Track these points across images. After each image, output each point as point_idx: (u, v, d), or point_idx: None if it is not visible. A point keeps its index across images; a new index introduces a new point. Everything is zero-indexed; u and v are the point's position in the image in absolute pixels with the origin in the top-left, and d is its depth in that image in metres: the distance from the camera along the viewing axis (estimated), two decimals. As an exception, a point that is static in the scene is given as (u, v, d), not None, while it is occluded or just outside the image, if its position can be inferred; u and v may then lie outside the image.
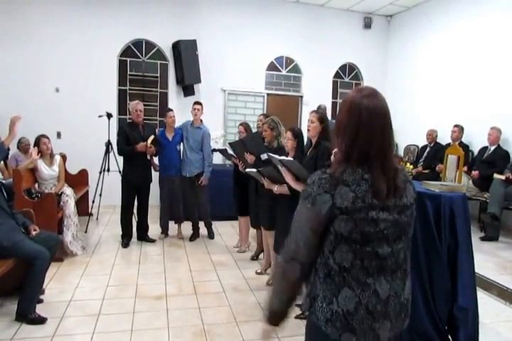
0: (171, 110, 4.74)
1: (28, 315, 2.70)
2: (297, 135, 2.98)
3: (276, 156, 1.97)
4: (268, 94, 7.14)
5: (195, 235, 4.88)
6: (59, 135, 6.06)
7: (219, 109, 6.85)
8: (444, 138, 5.84)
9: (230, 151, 4.20)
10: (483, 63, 5.54)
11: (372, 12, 7.37)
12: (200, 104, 4.72)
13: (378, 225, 1.11)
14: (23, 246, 2.75)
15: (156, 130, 4.88)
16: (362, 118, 1.11)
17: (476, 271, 2.39)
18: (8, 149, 3.17)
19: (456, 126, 5.53)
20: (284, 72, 7.27)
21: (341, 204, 1.09)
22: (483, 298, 2.80)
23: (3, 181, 3.76)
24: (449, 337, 2.27)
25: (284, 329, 2.68)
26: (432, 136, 5.94)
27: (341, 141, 1.15)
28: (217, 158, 5.85)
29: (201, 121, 4.78)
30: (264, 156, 3.34)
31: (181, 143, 4.79)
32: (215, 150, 4.72)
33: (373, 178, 1.11)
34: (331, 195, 1.10)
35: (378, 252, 1.13)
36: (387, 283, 1.15)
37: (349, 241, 1.11)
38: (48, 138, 4.19)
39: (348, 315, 1.12)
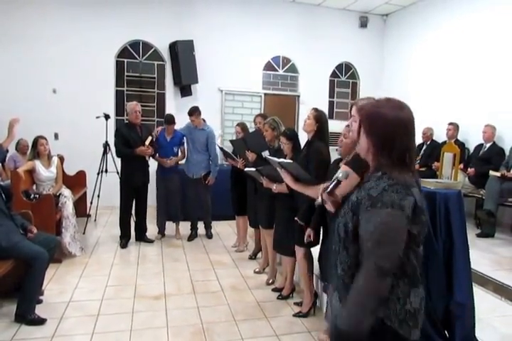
0: (174, 123, 4.66)
1: (27, 316, 2.71)
2: (291, 137, 2.99)
3: (275, 159, 1.98)
4: (265, 94, 7.15)
5: (193, 235, 4.89)
6: (56, 136, 6.05)
7: (216, 109, 6.86)
8: (440, 136, 5.86)
9: (226, 149, 4.21)
10: (478, 61, 5.57)
11: (368, 11, 7.40)
12: (191, 114, 4.61)
13: (424, 227, 1.21)
14: (21, 247, 2.76)
15: (157, 130, 4.81)
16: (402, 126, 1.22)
17: (472, 267, 2.41)
18: (7, 151, 3.18)
19: (450, 124, 5.56)
20: (280, 72, 7.28)
21: (420, 203, 1.15)
22: (479, 293, 2.81)
23: (1, 183, 3.78)
24: (446, 332, 2.29)
25: (282, 327, 2.73)
26: (427, 134, 5.96)
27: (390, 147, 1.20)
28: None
29: (204, 121, 4.77)
30: (265, 154, 3.35)
31: (180, 146, 4.79)
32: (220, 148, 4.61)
33: (418, 181, 1.22)
34: (413, 197, 1.14)
35: (421, 252, 1.25)
36: None
37: (416, 243, 1.19)
38: (45, 139, 4.17)
39: (417, 312, 1.21)
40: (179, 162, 4.84)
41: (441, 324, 2.26)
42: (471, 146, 5.49)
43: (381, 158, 1.20)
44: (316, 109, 2.85)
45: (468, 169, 5.01)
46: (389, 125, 1.19)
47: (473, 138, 5.50)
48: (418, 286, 1.23)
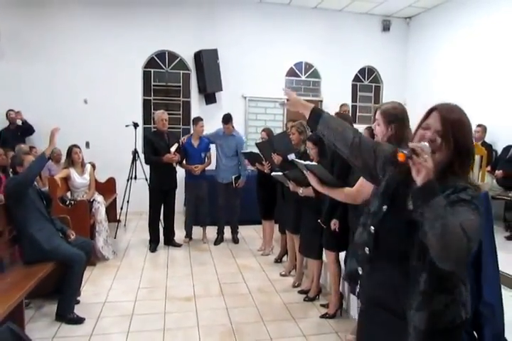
0: (202, 120, 4.81)
1: (67, 315, 2.86)
2: (317, 142, 3.05)
3: (301, 161, 2.06)
4: (288, 100, 7.19)
5: (219, 239, 4.99)
6: (87, 145, 6.32)
7: (240, 116, 6.96)
8: (467, 138, 5.77)
9: (257, 151, 4.25)
10: (506, 63, 5.47)
11: (391, 14, 7.38)
12: (228, 122, 4.65)
13: None
14: (62, 250, 2.93)
15: (183, 139, 4.91)
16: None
17: (500, 269, 2.38)
18: (49, 159, 3.37)
19: (479, 125, 5.47)
20: (303, 78, 7.35)
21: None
22: (508, 296, 2.77)
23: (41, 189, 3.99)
24: (475, 333, 2.28)
25: (309, 328, 2.77)
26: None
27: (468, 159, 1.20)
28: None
29: (233, 127, 4.85)
30: (291, 156, 3.41)
31: (206, 152, 4.89)
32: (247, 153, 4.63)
33: None
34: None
35: None
36: None
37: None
38: (79, 147, 4.39)
39: (468, 297, 1.29)
40: (205, 168, 4.94)
41: (470, 325, 2.25)
42: (499, 148, 5.38)
43: (464, 170, 1.18)
44: (337, 113, 2.97)
45: (496, 171, 4.92)
46: (471, 134, 1.19)
47: (501, 139, 5.39)
48: (466, 282, 1.28)
